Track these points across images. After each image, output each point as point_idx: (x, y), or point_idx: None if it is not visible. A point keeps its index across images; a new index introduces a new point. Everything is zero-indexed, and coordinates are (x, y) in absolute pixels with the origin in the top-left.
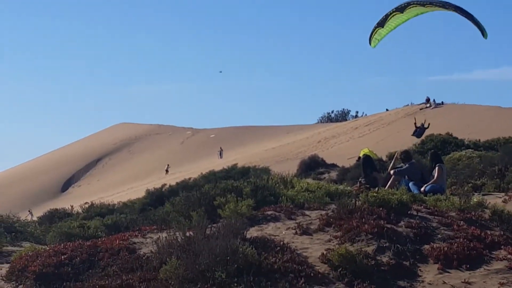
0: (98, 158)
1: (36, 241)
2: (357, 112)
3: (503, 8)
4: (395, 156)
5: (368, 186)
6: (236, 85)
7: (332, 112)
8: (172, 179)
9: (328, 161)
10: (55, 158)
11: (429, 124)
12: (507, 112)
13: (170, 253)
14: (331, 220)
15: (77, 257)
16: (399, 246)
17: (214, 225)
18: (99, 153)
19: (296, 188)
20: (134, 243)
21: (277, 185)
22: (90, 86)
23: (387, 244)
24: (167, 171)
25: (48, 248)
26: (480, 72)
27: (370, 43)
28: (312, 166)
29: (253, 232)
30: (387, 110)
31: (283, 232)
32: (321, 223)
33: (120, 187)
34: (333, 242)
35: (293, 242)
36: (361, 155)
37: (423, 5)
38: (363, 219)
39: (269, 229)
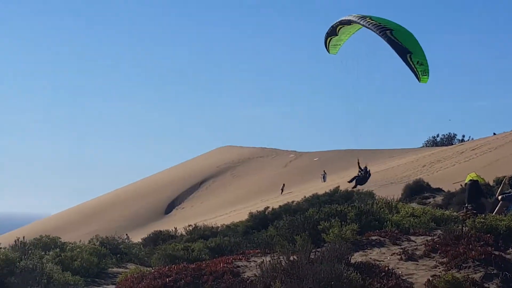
0: (202, 180)
1: (140, 262)
2: (463, 136)
3: None
4: (503, 181)
5: (475, 211)
6: (340, 108)
7: (438, 136)
8: (276, 202)
9: (433, 186)
10: (160, 180)
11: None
12: None
13: (274, 277)
14: (437, 246)
15: (181, 280)
16: (507, 273)
17: (318, 249)
18: (203, 175)
19: (401, 213)
20: (238, 266)
21: (381, 209)
22: (195, 110)
23: (495, 271)
24: (282, 190)
25: (153, 270)
26: None
27: (328, 51)
28: (417, 190)
29: (357, 257)
30: (494, 134)
31: (388, 258)
32: (427, 248)
33: (223, 209)
34: (439, 269)
35: (398, 268)
36: (467, 180)
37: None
38: (470, 246)
39: (373, 254)
